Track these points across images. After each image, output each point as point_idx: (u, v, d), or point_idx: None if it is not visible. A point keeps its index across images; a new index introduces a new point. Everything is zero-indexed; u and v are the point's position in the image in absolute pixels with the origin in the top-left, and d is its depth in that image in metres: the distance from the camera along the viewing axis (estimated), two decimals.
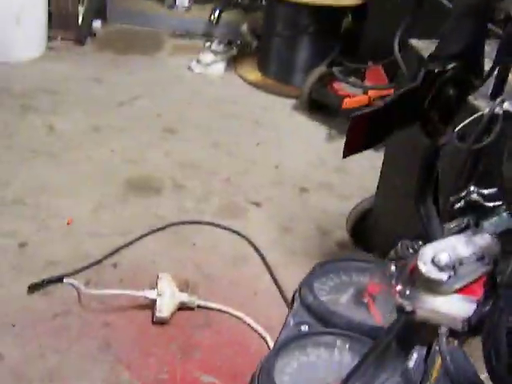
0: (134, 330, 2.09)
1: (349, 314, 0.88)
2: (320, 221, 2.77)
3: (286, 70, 3.91)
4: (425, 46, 2.04)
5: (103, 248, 2.41)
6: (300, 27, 3.76)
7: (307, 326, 0.91)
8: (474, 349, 0.82)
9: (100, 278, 2.28)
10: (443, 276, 0.66)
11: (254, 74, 4.00)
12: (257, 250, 2.53)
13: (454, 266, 0.67)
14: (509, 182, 0.78)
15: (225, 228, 2.63)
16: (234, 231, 2.62)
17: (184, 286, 2.27)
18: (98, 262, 2.34)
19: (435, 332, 0.71)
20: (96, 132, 3.22)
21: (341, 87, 3.50)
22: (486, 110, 1.18)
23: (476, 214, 0.82)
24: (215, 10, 4.29)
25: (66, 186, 2.76)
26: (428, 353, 0.80)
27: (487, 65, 1.46)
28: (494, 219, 0.84)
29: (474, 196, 0.88)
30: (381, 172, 2.37)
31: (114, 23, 4.55)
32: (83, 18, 4.27)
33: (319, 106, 3.57)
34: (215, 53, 4.11)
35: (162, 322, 2.12)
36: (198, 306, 2.21)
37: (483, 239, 0.75)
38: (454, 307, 0.67)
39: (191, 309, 2.19)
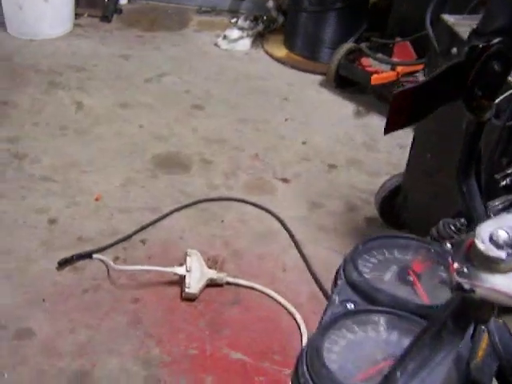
0: (163, 306, 2.10)
1: (394, 292, 0.87)
2: (348, 197, 2.75)
3: (312, 46, 3.87)
4: (457, 22, 2.00)
5: (132, 224, 2.42)
6: (327, 2, 3.71)
7: (352, 304, 0.90)
8: None
9: (129, 254, 2.28)
10: (502, 254, 0.64)
11: (281, 50, 3.97)
12: (285, 226, 2.52)
13: None
14: None
15: (253, 204, 2.62)
16: (263, 208, 2.61)
17: (212, 263, 2.28)
18: (127, 238, 2.34)
19: (492, 310, 0.69)
20: (124, 108, 3.22)
21: (369, 63, 3.45)
22: None
23: None
24: None
25: (95, 162, 2.76)
26: (475, 330, 0.79)
27: None
28: None
29: None
30: (411, 148, 2.35)
31: (140, 0, 4.53)
32: None
33: (347, 82, 3.53)
34: (241, 29, 4.08)
35: (190, 299, 2.13)
36: (227, 283, 2.21)
37: None
38: None
39: (220, 285, 2.20)
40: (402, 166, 2.44)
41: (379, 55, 3.46)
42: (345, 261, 0.84)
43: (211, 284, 2.18)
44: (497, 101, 0.90)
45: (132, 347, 1.95)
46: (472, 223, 0.89)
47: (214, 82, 3.58)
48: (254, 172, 2.84)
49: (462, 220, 0.88)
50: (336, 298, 0.91)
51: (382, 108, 3.40)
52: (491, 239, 0.65)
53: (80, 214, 2.45)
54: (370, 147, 3.09)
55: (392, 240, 0.87)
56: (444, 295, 0.78)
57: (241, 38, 4.03)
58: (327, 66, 3.57)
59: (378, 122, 3.32)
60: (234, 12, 4.42)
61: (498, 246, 0.65)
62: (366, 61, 3.47)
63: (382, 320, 0.86)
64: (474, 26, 1.02)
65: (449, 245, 0.80)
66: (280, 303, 2.18)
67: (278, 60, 3.90)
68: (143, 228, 2.40)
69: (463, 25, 1.94)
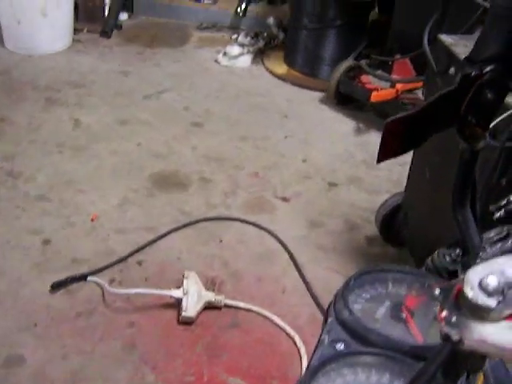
0: (159, 330, 2.05)
1: (386, 332, 0.81)
2: (348, 216, 2.71)
3: (312, 63, 3.85)
4: (454, 42, 1.98)
5: (128, 245, 2.37)
6: (327, 20, 3.68)
7: (343, 344, 0.84)
8: None
9: (125, 276, 2.23)
10: (492, 302, 0.60)
11: (281, 67, 3.95)
12: (284, 246, 2.48)
13: (502, 291, 0.61)
14: None
15: (252, 224, 2.58)
16: (262, 227, 2.56)
17: (210, 285, 2.23)
18: (123, 259, 2.30)
19: (484, 359, 0.65)
20: (122, 125, 3.18)
21: (368, 80, 3.42)
22: None
23: None
24: (242, 2, 4.24)
25: (91, 181, 2.72)
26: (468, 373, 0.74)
27: None
28: None
29: None
30: (411, 166, 2.31)
31: (140, 16, 4.52)
32: (109, 11, 4.25)
33: (347, 99, 3.50)
34: (242, 45, 4.05)
35: (188, 322, 2.07)
36: (225, 305, 2.16)
37: None
38: (504, 336, 0.61)
39: (218, 308, 2.15)
40: (402, 184, 2.40)
41: (379, 72, 3.43)
42: (335, 297, 0.79)
43: (209, 306, 2.13)
44: (495, 122, 0.85)
45: (126, 374, 1.90)
46: (467, 254, 0.85)
47: (214, 99, 3.55)
48: (254, 191, 2.80)
49: (458, 250, 0.84)
50: (326, 338, 0.86)
51: (382, 125, 3.35)
52: (480, 286, 0.61)
53: (75, 235, 2.40)
54: (370, 165, 3.05)
55: (385, 274, 0.82)
56: (438, 333, 0.73)
57: (241, 54, 4.00)
58: (327, 82, 3.54)
59: (377, 139, 3.25)
60: (234, 28, 4.41)
61: (488, 294, 0.60)
62: (365, 78, 3.44)
63: (373, 362, 0.81)
64: (470, 48, 0.99)
65: (437, 291, 0.75)
66: (279, 326, 2.13)
67: (279, 77, 3.87)
68: (140, 249, 2.35)
69: (460, 45, 1.91)
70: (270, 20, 4.21)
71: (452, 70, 1.88)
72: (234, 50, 4.00)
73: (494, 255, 0.77)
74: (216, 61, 3.99)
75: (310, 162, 3.05)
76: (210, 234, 2.50)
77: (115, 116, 3.24)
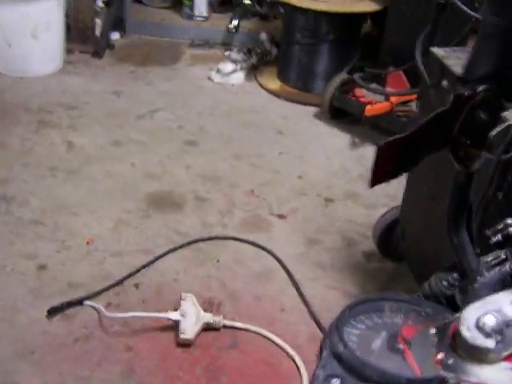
0: (157, 354, 2.02)
1: (383, 365, 0.77)
2: (346, 231, 2.69)
3: (306, 78, 3.84)
4: (446, 55, 1.98)
5: (124, 267, 2.34)
6: (319, 35, 3.68)
7: (338, 380, 0.80)
8: None
9: (122, 300, 2.21)
10: (490, 343, 0.57)
11: (275, 83, 3.94)
12: (282, 264, 2.46)
13: (501, 330, 0.58)
14: None
15: (249, 243, 2.56)
16: (259, 246, 2.54)
17: (208, 306, 2.21)
18: (120, 282, 2.27)
19: None
20: (116, 146, 3.16)
21: (362, 94, 3.42)
22: None
23: None
24: (234, 19, 4.23)
25: (86, 204, 2.70)
26: None
27: None
28: None
29: None
30: (407, 180, 2.29)
31: (132, 35, 4.50)
32: (101, 31, 4.24)
33: (341, 114, 3.49)
34: (235, 62, 4.05)
35: (186, 344, 2.05)
36: (224, 326, 2.13)
37: None
38: (504, 379, 0.58)
39: (217, 329, 2.12)
40: (398, 198, 2.38)
41: (373, 85, 3.43)
42: (330, 329, 0.75)
43: (207, 328, 2.11)
44: (490, 135, 0.83)
45: None
46: (465, 278, 0.82)
47: (208, 117, 3.53)
48: (250, 209, 2.78)
49: (455, 275, 0.82)
50: (320, 373, 0.82)
51: (377, 138, 3.35)
52: (477, 325, 0.58)
53: (70, 259, 2.38)
54: (366, 179, 3.00)
55: (381, 303, 0.78)
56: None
57: (234, 71, 3.99)
58: (321, 97, 3.53)
59: (372, 152, 3.26)
60: (227, 45, 4.40)
61: (486, 334, 0.57)
62: (359, 91, 3.43)
63: None
64: (463, 60, 0.96)
65: (433, 330, 0.72)
66: (279, 345, 2.11)
67: (272, 92, 3.86)
68: (136, 271, 2.33)
69: (453, 57, 1.91)
70: (263, 36, 4.20)
71: (445, 83, 1.87)
72: (227, 66, 3.99)
73: (493, 280, 0.75)
74: (209, 78, 3.98)
75: (305, 178, 3.03)
76: (206, 255, 2.47)
77: (108, 137, 3.22)
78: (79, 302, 2.14)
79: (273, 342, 2.11)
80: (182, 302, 2.09)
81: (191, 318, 2.06)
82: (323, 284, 2.39)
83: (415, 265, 2.31)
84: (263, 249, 2.53)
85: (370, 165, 3.14)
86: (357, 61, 3.77)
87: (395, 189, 2.85)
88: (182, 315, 2.06)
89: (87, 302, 2.15)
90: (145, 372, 1.95)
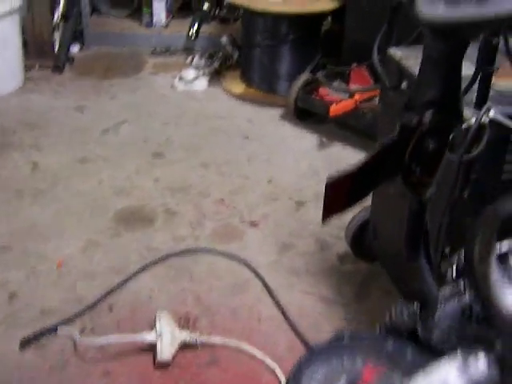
0: (135, 377, 1.99)
1: None
2: (319, 234, 2.68)
3: (269, 80, 3.82)
4: (404, 55, 1.97)
5: (97, 289, 2.31)
6: (280, 36, 3.66)
7: None
8: None
9: (96, 323, 2.17)
10: None
11: (238, 86, 3.91)
12: (256, 273, 2.44)
13: None
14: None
15: (222, 254, 2.54)
16: (232, 256, 2.52)
17: (185, 323, 2.18)
18: (93, 305, 2.23)
19: None
20: (82, 163, 3.12)
21: (326, 92, 3.41)
22: (473, 120, 1.09)
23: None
24: (193, 24, 4.20)
25: (54, 226, 2.66)
26: None
27: (470, 69, 1.36)
28: None
29: None
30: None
31: (92, 47, 4.46)
32: (60, 44, 4.18)
33: (307, 114, 3.48)
34: (197, 68, 4.02)
35: (164, 365, 2.02)
36: (201, 343, 2.11)
37: (478, 368, 0.64)
38: None
39: (195, 347, 2.10)
40: (369, 198, 2.35)
41: (336, 83, 3.42)
42: (288, 379, 0.70)
43: (185, 346, 2.09)
44: (451, 135, 0.82)
45: None
46: (425, 308, 0.81)
47: (174, 127, 3.50)
48: (221, 218, 2.76)
49: (415, 306, 0.80)
50: None
51: (344, 136, 3.37)
52: None
53: (42, 284, 2.34)
54: None
55: (338, 347, 0.75)
56: None
57: (197, 77, 3.97)
58: (286, 98, 3.52)
59: (341, 151, 3.29)
60: (188, 50, 4.37)
61: None
62: (323, 90, 3.42)
63: None
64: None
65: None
66: (258, 358, 2.09)
67: (237, 96, 3.84)
68: (109, 293, 2.29)
69: (412, 57, 1.90)
70: (224, 39, 4.16)
71: (404, 85, 1.86)
72: (190, 73, 3.96)
73: (453, 311, 0.73)
74: (172, 86, 3.95)
75: (275, 182, 3.02)
76: (179, 269, 2.45)
77: (74, 154, 3.18)
78: (53, 330, 2.10)
79: (252, 355, 2.10)
80: (157, 322, 2.06)
81: (167, 337, 2.03)
82: (299, 290, 2.38)
83: (388, 263, 2.30)
84: (236, 259, 2.51)
85: (339, 164, 3.14)
86: (320, 59, 3.75)
87: None
88: (158, 335, 2.02)
89: (61, 330, 2.11)
90: None
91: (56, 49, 4.17)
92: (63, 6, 4.23)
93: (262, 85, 3.83)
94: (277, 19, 3.62)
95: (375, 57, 1.98)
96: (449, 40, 0.71)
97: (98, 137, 3.37)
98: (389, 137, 0.73)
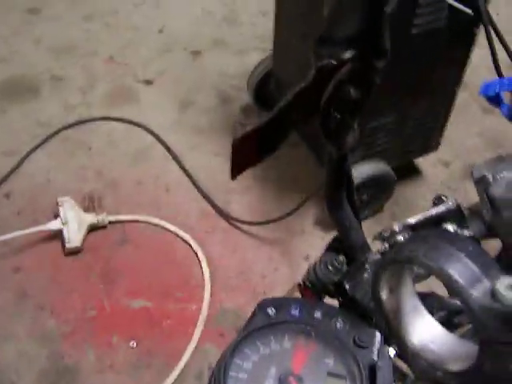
0: (47, 269, 1.91)
1: None
2: (219, 86, 2.56)
3: None
4: None
5: None
6: None
7: None
8: None
9: None
10: None
11: None
12: (158, 137, 2.33)
13: None
14: None
15: (119, 120, 2.39)
16: (130, 121, 2.38)
17: (89, 203, 2.08)
18: None
19: None
20: None
21: None
22: None
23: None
24: None
25: None
26: None
27: None
28: None
29: (400, 238, 0.73)
30: (274, 33, 2.14)
31: None
32: None
33: None
34: None
35: (75, 252, 1.95)
36: (110, 223, 2.03)
37: None
38: None
39: (103, 227, 2.02)
40: (269, 38, 2.18)
41: None
42: (211, 377, 0.62)
43: (93, 228, 2.01)
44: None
45: (25, 325, 1.79)
46: (352, 260, 0.75)
47: None
48: (113, 79, 2.58)
49: (341, 257, 0.74)
50: None
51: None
52: None
53: None
54: (231, 21, 2.86)
55: (265, 330, 0.66)
56: None
57: None
58: None
59: None
60: None
61: None
62: None
63: None
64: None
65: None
66: (171, 231, 2.04)
67: None
68: (4, 180, 2.15)
69: None
70: None
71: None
72: None
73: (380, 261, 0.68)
74: None
75: (167, 31, 2.82)
76: (75, 143, 2.31)
77: None
78: None
79: (164, 227, 2.04)
80: (60, 209, 1.96)
81: (73, 223, 1.94)
82: (204, 151, 2.30)
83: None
84: (135, 124, 2.38)
85: (233, 3, 2.95)
86: None
87: (263, 28, 2.71)
88: (64, 223, 1.93)
89: None
90: (38, 291, 1.86)
91: None
92: None
93: None
94: None
95: None
96: None
97: None
98: (301, 84, 0.62)
